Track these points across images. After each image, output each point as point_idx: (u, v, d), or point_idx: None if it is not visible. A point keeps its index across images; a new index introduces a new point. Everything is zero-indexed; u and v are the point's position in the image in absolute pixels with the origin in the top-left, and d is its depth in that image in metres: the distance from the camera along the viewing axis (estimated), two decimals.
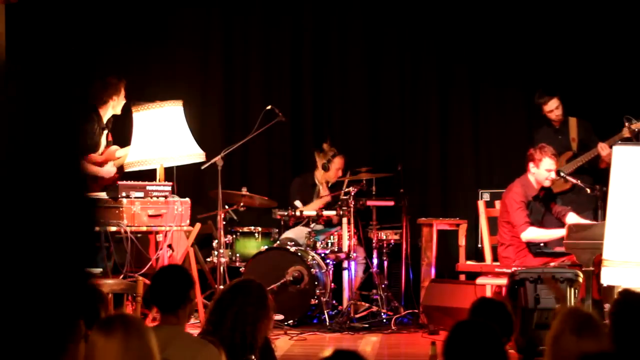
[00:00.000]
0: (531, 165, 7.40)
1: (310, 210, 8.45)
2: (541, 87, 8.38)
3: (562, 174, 7.69)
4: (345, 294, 8.10)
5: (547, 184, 7.44)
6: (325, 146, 8.80)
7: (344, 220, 8.06)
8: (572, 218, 7.37)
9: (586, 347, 2.91)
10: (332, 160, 8.72)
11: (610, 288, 6.10)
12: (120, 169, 7.31)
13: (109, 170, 7.15)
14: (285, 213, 8.32)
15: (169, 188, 6.91)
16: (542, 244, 7.54)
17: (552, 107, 8.17)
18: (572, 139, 8.09)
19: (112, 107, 7.33)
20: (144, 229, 6.72)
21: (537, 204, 7.48)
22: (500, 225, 7.51)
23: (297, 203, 8.74)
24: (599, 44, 8.92)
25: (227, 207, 8.34)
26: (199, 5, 9.57)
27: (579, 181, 7.62)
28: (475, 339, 2.87)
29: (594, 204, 7.92)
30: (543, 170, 7.35)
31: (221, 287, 6.94)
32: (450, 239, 8.65)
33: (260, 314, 3.92)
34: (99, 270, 7.39)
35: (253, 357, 3.90)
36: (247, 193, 8.39)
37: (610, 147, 7.78)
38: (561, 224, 7.30)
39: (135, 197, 6.68)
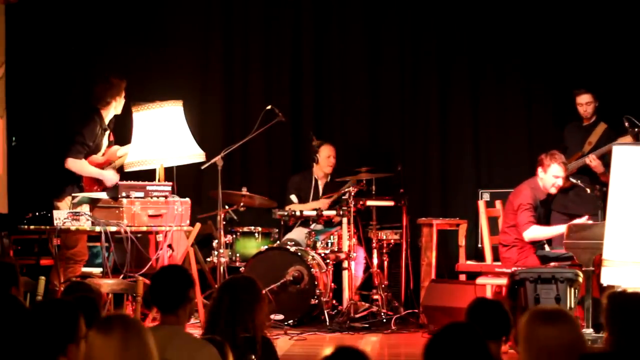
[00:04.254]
0: (540, 170, 7.39)
1: (306, 209, 8.45)
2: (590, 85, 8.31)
3: None
4: (345, 294, 8.10)
5: (552, 191, 7.43)
6: (313, 142, 8.82)
7: (344, 220, 8.06)
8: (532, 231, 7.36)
9: (556, 334, 2.93)
10: (319, 150, 8.74)
11: (610, 288, 6.10)
12: (120, 169, 7.31)
13: (111, 178, 7.12)
14: (285, 213, 8.32)
15: (169, 188, 6.91)
16: (546, 246, 7.55)
17: (582, 102, 8.13)
18: (589, 142, 8.06)
19: (114, 108, 7.33)
20: (144, 229, 6.71)
21: (542, 210, 7.50)
22: (504, 227, 7.50)
23: (293, 197, 8.76)
24: (600, 43, 8.91)
25: (227, 207, 8.34)
26: (198, 5, 9.57)
27: (578, 181, 7.62)
28: (457, 343, 2.81)
29: (595, 203, 7.92)
30: (550, 176, 7.34)
31: None
32: (450, 239, 8.65)
33: (253, 299, 3.95)
34: (99, 270, 7.42)
35: (254, 357, 3.90)
36: (247, 193, 8.39)
37: (599, 158, 7.80)
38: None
39: (135, 197, 6.67)
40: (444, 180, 9.35)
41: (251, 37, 9.56)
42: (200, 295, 7.21)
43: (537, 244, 7.45)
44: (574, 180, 7.65)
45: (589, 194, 7.52)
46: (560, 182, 7.38)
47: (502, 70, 9.24)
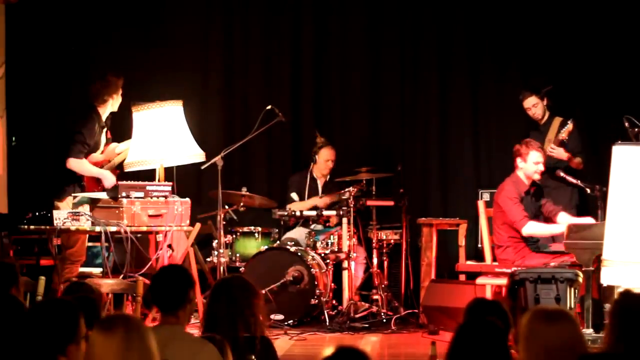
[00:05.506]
0: (519, 160, 7.39)
1: (305, 206, 8.46)
2: (533, 85, 8.34)
3: (562, 174, 7.68)
4: (345, 294, 8.10)
5: (536, 177, 7.42)
6: (317, 139, 8.82)
7: (344, 220, 8.06)
8: (563, 218, 7.36)
9: (557, 334, 2.93)
10: (319, 152, 8.74)
11: (610, 288, 6.10)
12: (120, 168, 7.31)
13: (110, 178, 7.10)
14: (285, 213, 8.32)
15: (169, 188, 6.91)
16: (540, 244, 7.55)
17: (529, 105, 8.16)
18: (549, 139, 8.04)
19: (111, 105, 7.33)
20: (144, 229, 6.71)
21: (529, 199, 7.46)
22: (496, 227, 7.48)
23: (294, 195, 8.76)
24: (600, 43, 8.91)
25: (227, 207, 8.34)
26: (199, 5, 9.57)
27: (579, 181, 7.62)
28: (481, 339, 2.86)
29: (574, 201, 7.95)
30: (531, 163, 7.34)
31: None
32: (450, 239, 8.65)
33: (249, 294, 3.95)
34: (99, 270, 7.42)
35: (253, 357, 3.90)
36: (247, 193, 8.39)
37: (560, 144, 7.80)
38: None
39: (135, 197, 6.67)
40: (444, 180, 9.35)
41: (251, 37, 9.55)
42: (200, 295, 7.21)
43: (533, 245, 7.43)
44: (574, 181, 7.65)
45: (589, 194, 7.52)
46: (541, 167, 7.37)
47: (502, 70, 9.24)
